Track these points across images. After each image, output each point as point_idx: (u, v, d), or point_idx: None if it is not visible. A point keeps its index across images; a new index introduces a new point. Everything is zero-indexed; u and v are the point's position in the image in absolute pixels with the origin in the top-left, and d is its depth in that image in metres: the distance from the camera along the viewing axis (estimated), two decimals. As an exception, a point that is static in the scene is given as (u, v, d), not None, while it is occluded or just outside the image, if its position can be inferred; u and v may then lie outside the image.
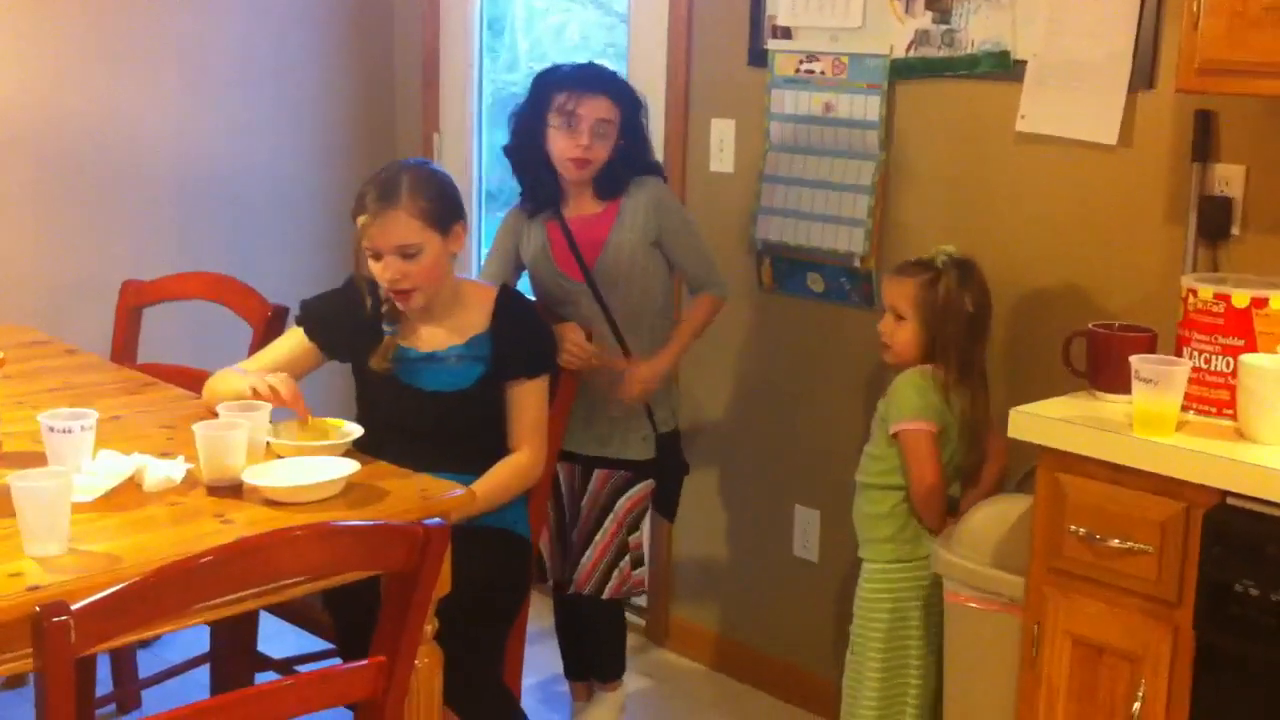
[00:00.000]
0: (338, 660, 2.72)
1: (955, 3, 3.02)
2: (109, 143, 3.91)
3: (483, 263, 3.33)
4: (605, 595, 3.13)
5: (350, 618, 2.59)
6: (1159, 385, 2.27)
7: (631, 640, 3.51)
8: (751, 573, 3.67)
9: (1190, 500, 2.21)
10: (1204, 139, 2.67)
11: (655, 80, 3.62)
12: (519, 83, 4.34)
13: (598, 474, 3.11)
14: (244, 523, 2.17)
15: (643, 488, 3.13)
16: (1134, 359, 2.31)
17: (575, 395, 3.03)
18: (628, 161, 3.06)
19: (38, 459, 2.26)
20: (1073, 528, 2.33)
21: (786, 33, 3.36)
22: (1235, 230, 2.66)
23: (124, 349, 3.37)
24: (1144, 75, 2.76)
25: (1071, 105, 2.86)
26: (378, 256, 2.71)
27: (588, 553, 3.11)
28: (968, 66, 3.03)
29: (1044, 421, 2.38)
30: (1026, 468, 2.62)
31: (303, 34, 4.27)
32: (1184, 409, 2.32)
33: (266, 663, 3.05)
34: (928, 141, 3.14)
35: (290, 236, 4.29)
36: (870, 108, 3.20)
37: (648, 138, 3.13)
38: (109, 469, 2.27)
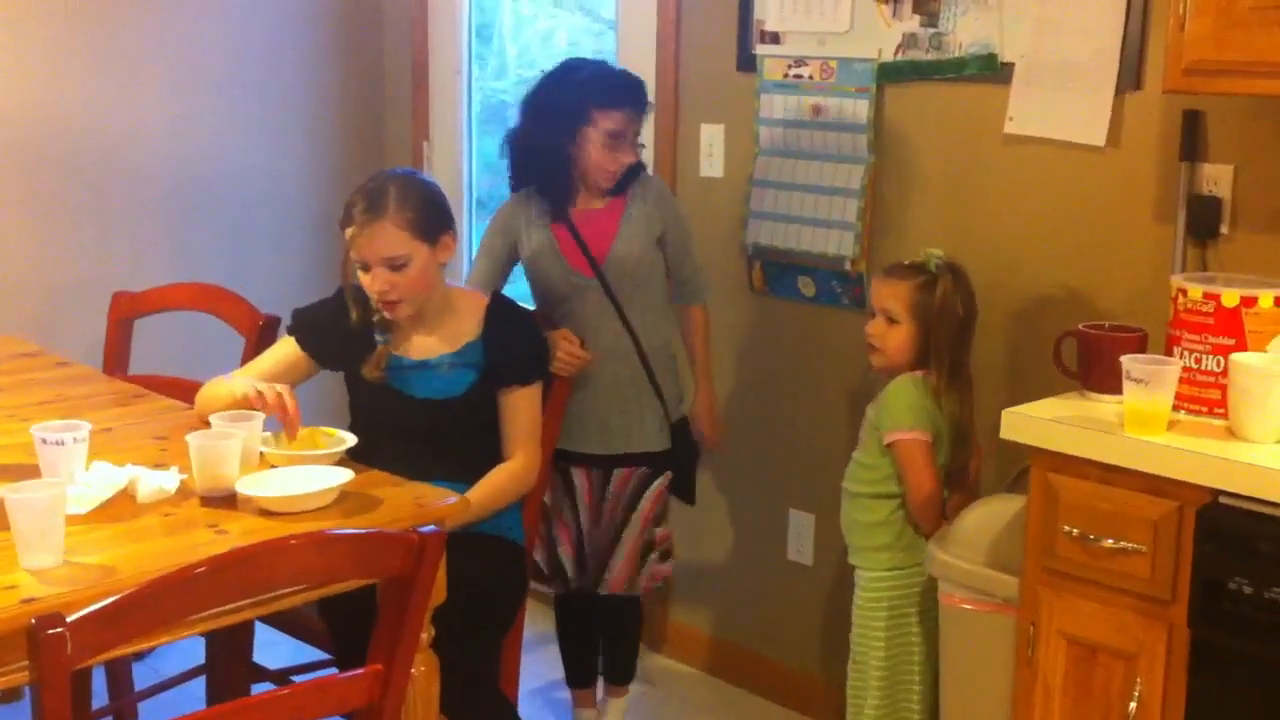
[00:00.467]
0: (334, 670, 2.72)
1: (942, 6, 3.03)
2: (100, 148, 3.91)
3: (471, 263, 3.33)
4: (639, 592, 3.15)
5: (346, 626, 2.58)
6: (1150, 385, 2.27)
7: (627, 644, 3.52)
8: (746, 577, 3.67)
9: (1182, 499, 2.21)
10: (1192, 139, 2.68)
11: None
12: (508, 90, 4.34)
13: (616, 475, 3.11)
14: (238, 533, 2.16)
15: (662, 482, 3.14)
16: (1125, 359, 2.31)
17: (568, 400, 3.03)
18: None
19: (31, 471, 2.26)
20: (1066, 528, 2.34)
21: (775, 38, 3.37)
22: (1224, 229, 2.67)
23: (116, 360, 3.37)
24: (1131, 76, 2.77)
25: (1059, 107, 2.87)
26: (366, 268, 2.71)
27: (616, 554, 3.11)
28: (955, 69, 3.04)
29: (1036, 422, 2.39)
30: (1019, 468, 2.62)
31: (292, 44, 4.28)
32: (1175, 408, 2.33)
33: (263, 673, 3.04)
34: (917, 144, 3.15)
35: (283, 244, 4.30)
36: (859, 111, 3.21)
37: None
38: (102, 480, 2.26)
